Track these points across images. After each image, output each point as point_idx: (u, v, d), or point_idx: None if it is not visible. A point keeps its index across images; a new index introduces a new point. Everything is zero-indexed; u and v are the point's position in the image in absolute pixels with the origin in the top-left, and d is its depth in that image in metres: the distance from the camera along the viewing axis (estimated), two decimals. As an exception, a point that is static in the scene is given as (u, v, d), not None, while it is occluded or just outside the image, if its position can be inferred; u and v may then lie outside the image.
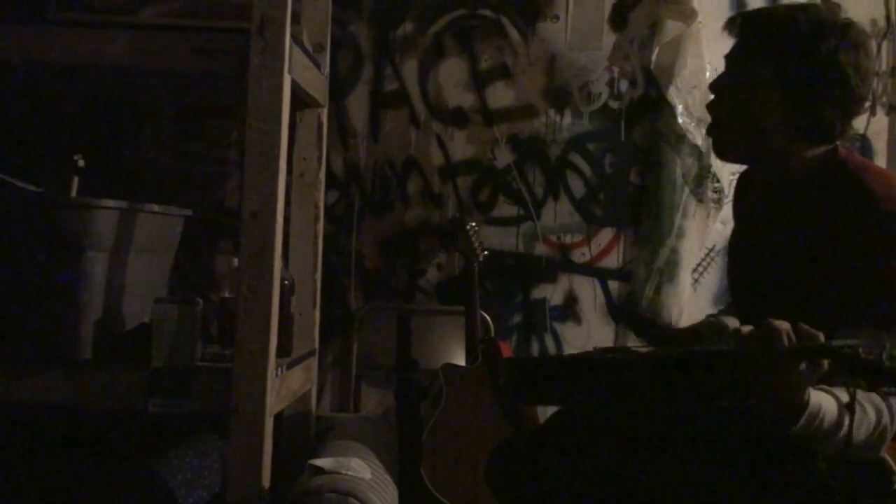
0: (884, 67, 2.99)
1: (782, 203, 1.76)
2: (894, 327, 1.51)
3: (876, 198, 1.59)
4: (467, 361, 2.63)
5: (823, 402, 1.41)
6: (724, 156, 1.85)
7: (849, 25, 1.67)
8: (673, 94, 2.81)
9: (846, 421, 1.43)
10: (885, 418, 1.48)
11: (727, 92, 1.76)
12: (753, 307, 1.82)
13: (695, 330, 1.97)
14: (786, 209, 1.75)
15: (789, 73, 1.66)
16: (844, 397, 1.39)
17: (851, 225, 1.59)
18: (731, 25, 1.77)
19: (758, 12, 1.85)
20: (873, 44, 1.72)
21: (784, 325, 1.38)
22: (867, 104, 1.71)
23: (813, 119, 1.67)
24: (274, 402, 2.00)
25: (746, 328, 1.43)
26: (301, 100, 2.41)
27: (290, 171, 2.31)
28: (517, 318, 2.99)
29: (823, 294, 1.59)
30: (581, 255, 2.99)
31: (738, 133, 1.74)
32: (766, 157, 1.74)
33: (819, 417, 1.41)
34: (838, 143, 1.74)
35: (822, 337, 1.36)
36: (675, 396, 1.54)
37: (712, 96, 1.80)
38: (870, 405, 1.45)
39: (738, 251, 1.94)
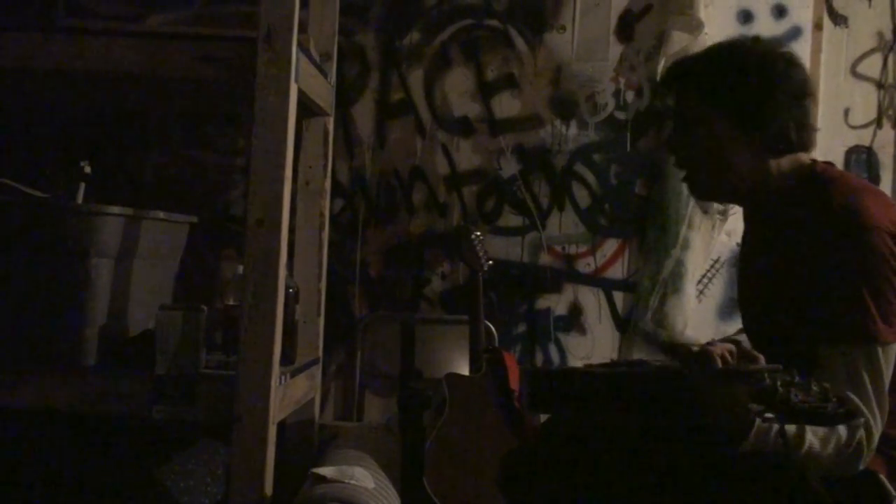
0: (890, 80, 2.99)
1: (765, 223, 1.80)
2: (874, 341, 1.53)
3: (839, 212, 1.60)
4: (471, 371, 2.63)
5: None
6: (702, 196, 1.95)
7: (761, 44, 1.77)
8: (679, 106, 2.82)
9: (809, 436, 1.44)
10: (860, 434, 1.47)
11: (681, 141, 1.80)
12: (755, 324, 1.83)
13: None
14: (767, 228, 1.78)
15: (724, 102, 1.70)
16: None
17: (817, 240, 1.60)
18: (664, 86, 1.86)
19: (678, 62, 1.89)
20: (794, 51, 1.81)
21: (717, 349, 1.42)
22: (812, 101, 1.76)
23: (767, 133, 1.69)
24: (277, 410, 2.00)
25: (692, 349, 1.48)
26: (307, 108, 2.42)
27: (295, 180, 2.31)
28: (521, 329, 2.98)
29: (804, 311, 1.61)
30: (586, 266, 2.98)
31: (706, 172, 1.78)
32: (741, 185, 1.76)
33: (772, 434, 1.42)
34: (809, 156, 1.76)
35: (761, 359, 1.39)
36: (660, 411, 1.55)
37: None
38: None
39: (740, 271, 1.98)
